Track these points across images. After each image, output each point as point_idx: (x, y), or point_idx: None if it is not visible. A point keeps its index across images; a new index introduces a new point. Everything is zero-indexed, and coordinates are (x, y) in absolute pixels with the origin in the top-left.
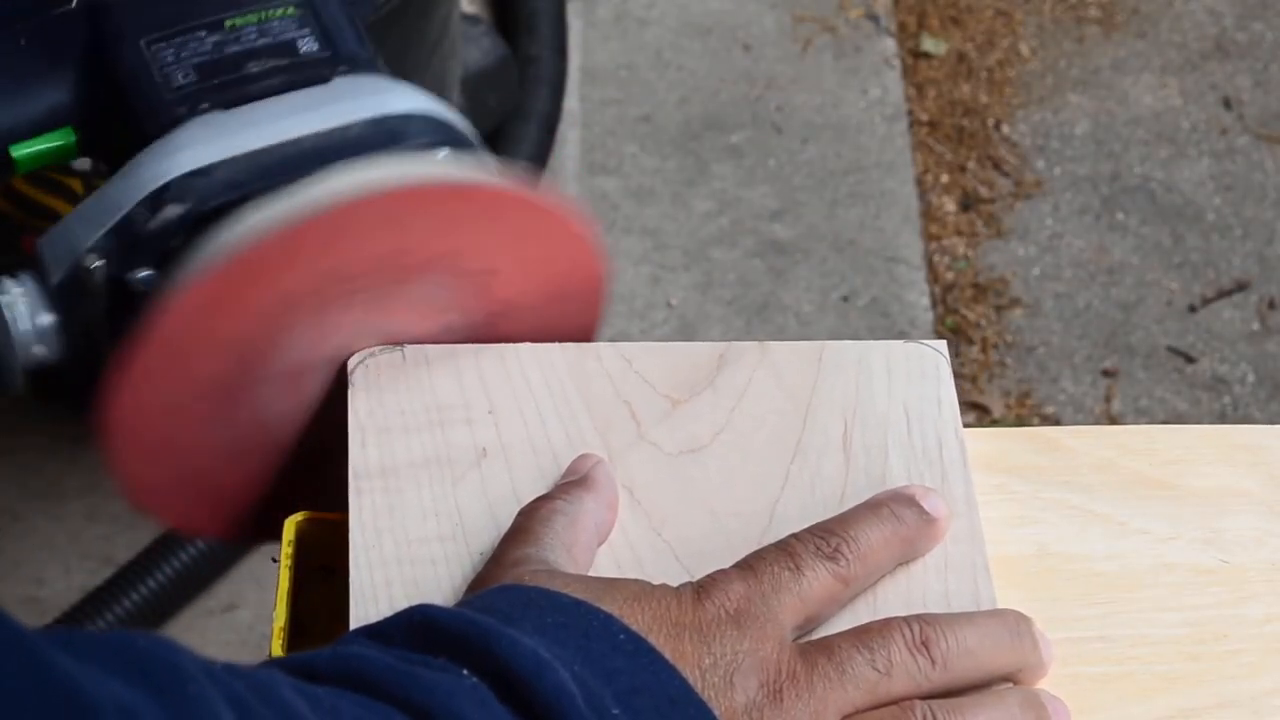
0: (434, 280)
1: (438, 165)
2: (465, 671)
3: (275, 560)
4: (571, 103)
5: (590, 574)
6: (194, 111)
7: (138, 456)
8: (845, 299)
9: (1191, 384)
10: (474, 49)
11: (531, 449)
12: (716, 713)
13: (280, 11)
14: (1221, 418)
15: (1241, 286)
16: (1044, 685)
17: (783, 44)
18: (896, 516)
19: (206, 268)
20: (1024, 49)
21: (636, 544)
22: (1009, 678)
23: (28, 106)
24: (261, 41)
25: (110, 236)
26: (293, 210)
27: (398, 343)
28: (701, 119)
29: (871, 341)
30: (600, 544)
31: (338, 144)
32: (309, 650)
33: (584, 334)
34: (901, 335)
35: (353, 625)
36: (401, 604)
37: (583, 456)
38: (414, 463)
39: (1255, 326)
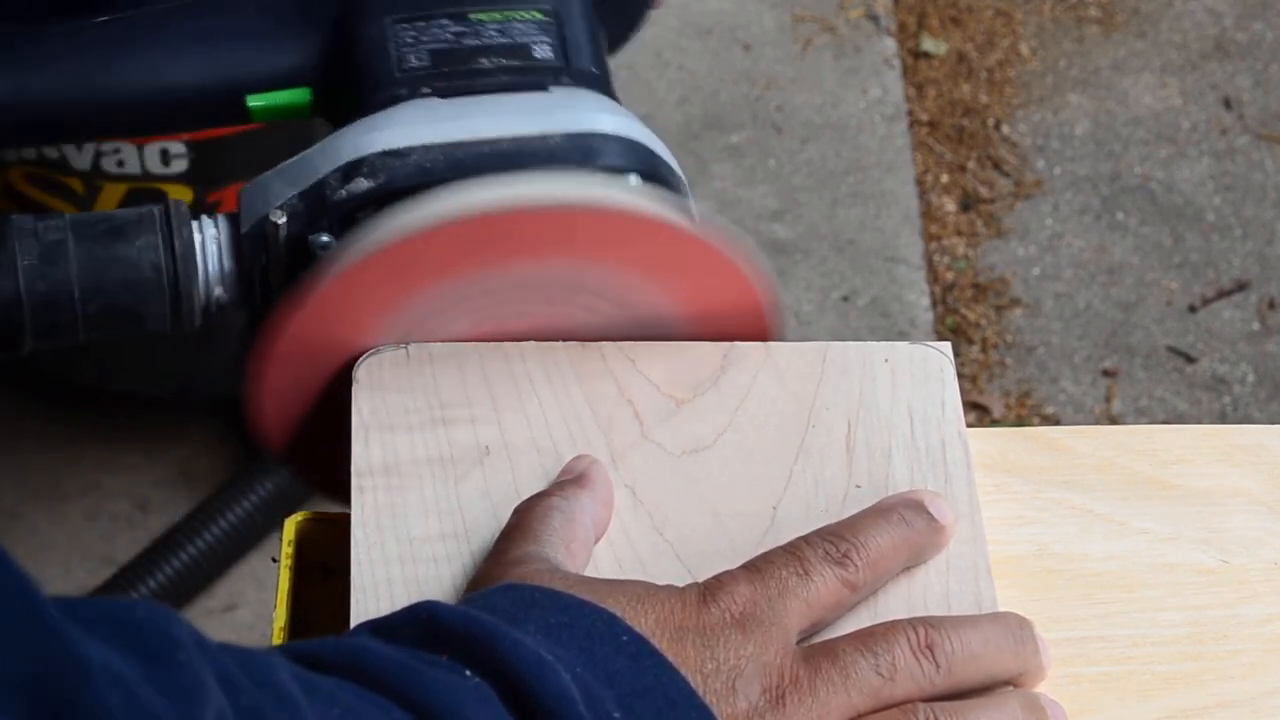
0: (586, 295)
1: (620, 189)
2: (468, 672)
3: (275, 560)
4: None
5: (589, 572)
6: (413, 94)
7: (276, 402)
8: (845, 299)
9: (1191, 384)
10: None
11: (535, 448)
12: (719, 718)
13: (526, 14)
14: (1221, 418)
15: (1241, 286)
16: (1043, 686)
17: (783, 44)
18: (906, 522)
19: (372, 246)
20: (1024, 49)
21: (638, 544)
22: (1010, 681)
23: (273, 60)
24: (500, 40)
25: (300, 198)
26: (459, 207)
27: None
28: (701, 119)
29: (875, 343)
30: (597, 542)
31: (531, 151)
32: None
33: None
34: (901, 335)
35: (353, 623)
36: (403, 602)
37: (578, 457)
38: (417, 461)
39: (1255, 326)
